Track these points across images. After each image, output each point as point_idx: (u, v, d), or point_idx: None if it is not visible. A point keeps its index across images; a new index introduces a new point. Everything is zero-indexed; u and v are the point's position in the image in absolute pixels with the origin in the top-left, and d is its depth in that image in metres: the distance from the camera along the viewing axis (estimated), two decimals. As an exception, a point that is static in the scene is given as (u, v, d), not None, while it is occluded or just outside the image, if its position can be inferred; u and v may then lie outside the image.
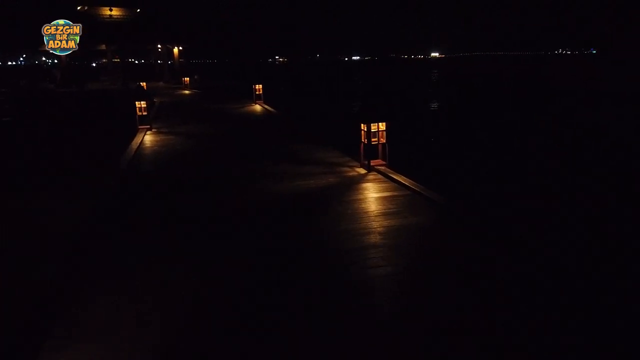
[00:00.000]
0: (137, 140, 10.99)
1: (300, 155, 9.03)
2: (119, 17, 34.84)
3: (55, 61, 35.31)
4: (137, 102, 12.37)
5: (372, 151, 7.60)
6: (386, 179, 7.10)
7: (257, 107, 18.47)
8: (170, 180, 7.52)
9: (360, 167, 7.88)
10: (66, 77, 32.46)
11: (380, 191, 6.50)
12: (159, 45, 39.42)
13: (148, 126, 12.65)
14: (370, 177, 7.32)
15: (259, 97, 19.68)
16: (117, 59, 40.34)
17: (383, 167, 7.57)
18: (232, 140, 11.28)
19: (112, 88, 31.19)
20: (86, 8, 34.03)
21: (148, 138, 11.50)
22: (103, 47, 39.62)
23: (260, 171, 7.87)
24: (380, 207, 5.82)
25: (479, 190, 9.48)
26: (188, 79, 31.56)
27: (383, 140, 7.55)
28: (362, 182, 7.01)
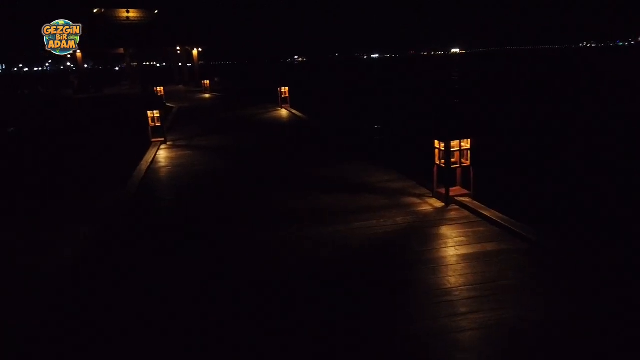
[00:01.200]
0: (148, 157, 9.29)
1: (348, 179, 7.16)
2: (136, 19, 33.62)
3: (74, 67, 34.29)
4: (149, 112, 10.70)
5: (449, 176, 5.68)
6: (477, 218, 5.17)
7: (284, 112, 16.69)
8: (185, 221, 5.75)
9: (433, 197, 5.97)
10: (84, 82, 31.37)
11: (475, 240, 4.59)
12: (178, 48, 38.11)
13: (162, 139, 10.98)
14: (453, 214, 5.40)
15: (285, 100, 17.90)
16: (135, 62, 39.23)
17: (467, 199, 5.64)
18: (262, 157, 9.47)
19: (130, 93, 29.95)
20: (103, 10, 32.91)
21: (162, 154, 9.80)
22: (121, 50, 38.55)
23: (302, 204, 6.03)
24: (489, 274, 3.90)
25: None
26: (208, 81, 30.07)
27: (467, 163, 5.61)
28: (445, 224, 5.10)
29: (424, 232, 4.89)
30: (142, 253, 4.75)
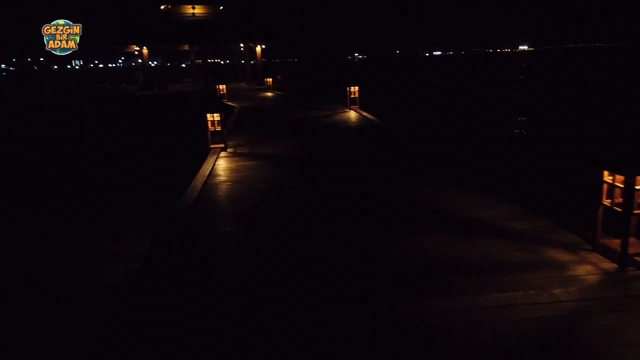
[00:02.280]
0: (205, 169, 8.03)
1: (453, 211, 5.43)
2: (201, 15, 33.32)
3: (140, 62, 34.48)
4: (209, 115, 9.49)
5: (626, 225, 3.86)
6: (688, 300, 3.34)
7: (353, 115, 15.12)
8: (241, 278, 4.30)
9: (594, 251, 4.15)
10: (148, 79, 31.40)
11: None
12: (242, 45, 37.54)
13: (222, 145, 9.74)
14: (641, 287, 3.58)
15: (353, 101, 16.33)
16: (200, 59, 39.16)
17: (654, 261, 3.80)
18: (335, 173, 7.90)
19: (192, 90, 29.59)
20: (170, 7, 32.86)
21: (221, 165, 8.52)
22: (186, 47, 38.62)
23: (397, 252, 4.42)
24: None
25: None
26: (271, 79, 29.07)
27: (658, 208, 3.77)
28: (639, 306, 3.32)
29: (610, 324, 3.13)
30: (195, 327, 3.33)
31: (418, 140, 10.39)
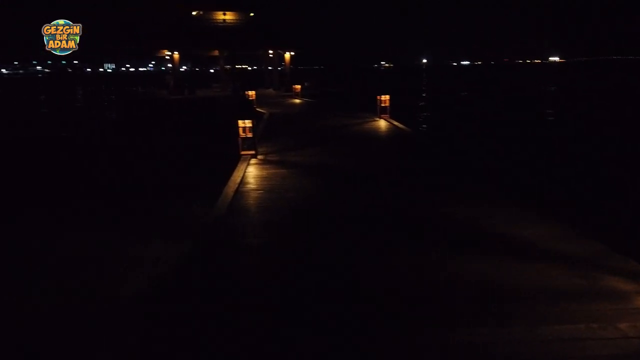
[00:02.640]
0: (236, 176, 7.90)
1: (491, 229, 5.14)
2: (232, 21, 33.61)
3: (170, 66, 34.97)
4: (240, 122, 9.39)
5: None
6: None
7: (384, 124, 14.87)
8: (268, 293, 4.10)
9: (660, 282, 3.82)
10: (178, 84, 31.79)
11: None
12: (270, 51, 37.72)
13: (252, 152, 9.63)
14: None
15: (384, 110, 16.07)
16: (228, 65, 39.49)
17: None
18: (366, 183, 7.67)
19: (221, 95, 29.84)
20: (201, 13, 33.27)
21: (251, 173, 8.38)
22: (216, 52, 38.99)
23: (434, 272, 4.16)
24: None
25: None
26: (299, 86, 29.05)
27: None
28: None
29: (688, 366, 2.81)
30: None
31: (452, 151, 10.07)
